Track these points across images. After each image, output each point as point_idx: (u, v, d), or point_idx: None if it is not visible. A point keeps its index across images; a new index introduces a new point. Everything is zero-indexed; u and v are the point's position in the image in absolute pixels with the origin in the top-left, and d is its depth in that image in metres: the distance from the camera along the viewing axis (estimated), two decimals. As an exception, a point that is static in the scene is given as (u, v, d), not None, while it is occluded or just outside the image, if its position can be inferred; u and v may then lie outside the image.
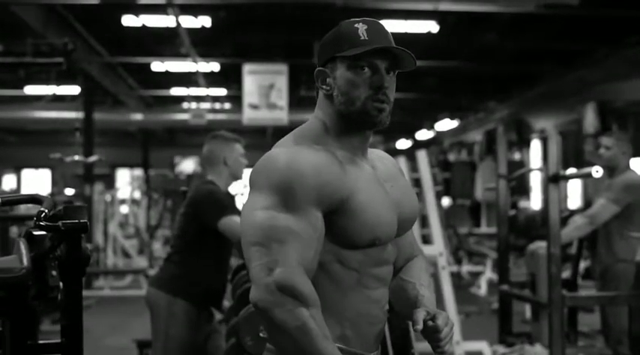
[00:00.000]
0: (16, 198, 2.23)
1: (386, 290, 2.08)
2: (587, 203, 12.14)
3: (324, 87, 2.06)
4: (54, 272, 1.94)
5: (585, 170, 4.54)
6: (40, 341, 2.02)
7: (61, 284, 1.96)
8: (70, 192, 13.49)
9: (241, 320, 3.44)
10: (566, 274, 5.45)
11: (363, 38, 1.98)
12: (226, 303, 4.81)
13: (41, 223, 1.98)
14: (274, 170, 1.91)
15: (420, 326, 1.98)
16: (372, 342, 2.04)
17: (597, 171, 4.41)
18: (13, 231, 8.86)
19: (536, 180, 17.44)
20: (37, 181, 25.64)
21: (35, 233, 1.98)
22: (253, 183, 1.94)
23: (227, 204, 4.28)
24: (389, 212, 2.01)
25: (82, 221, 1.98)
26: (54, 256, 1.96)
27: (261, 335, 3.46)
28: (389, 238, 2.02)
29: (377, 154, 2.18)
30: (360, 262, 1.96)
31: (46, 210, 2.01)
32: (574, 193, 15.11)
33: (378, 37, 2.00)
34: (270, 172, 1.90)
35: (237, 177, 4.53)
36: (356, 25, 2.01)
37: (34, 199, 2.21)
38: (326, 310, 1.90)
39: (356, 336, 1.98)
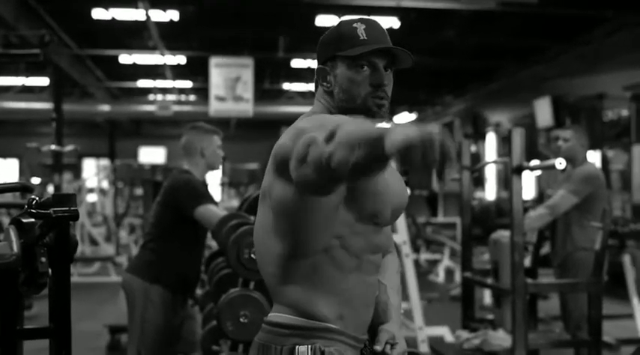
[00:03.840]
0: (5, 187, 2.19)
1: (377, 276, 2.11)
2: (541, 194, 12.26)
3: (324, 84, 2.10)
4: (43, 259, 1.91)
5: (549, 162, 4.55)
6: (28, 326, 1.99)
7: (49, 270, 1.93)
8: (36, 180, 13.34)
9: (222, 306, 3.42)
10: (525, 262, 5.48)
11: (362, 38, 2.01)
12: (198, 291, 4.79)
13: (32, 210, 1.94)
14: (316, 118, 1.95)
15: (379, 348, 2.07)
16: (364, 325, 2.07)
17: (560, 163, 4.43)
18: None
19: (491, 172, 17.56)
20: (4, 170, 25.31)
21: (24, 220, 1.94)
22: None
23: (203, 192, 4.26)
24: (386, 195, 2.03)
25: (72, 208, 1.94)
26: (43, 243, 1.92)
27: (241, 320, 3.47)
28: (385, 220, 2.05)
29: None
30: (361, 248, 1.98)
31: (37, 198, 1.97)
32: (528, 185, 15.24)
33: (376, 36, 2.04)
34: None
35: (213, 168, 4.50)
36: (355, 25, 2.05)
37: (24, 187, 2.17)
38: (327, 290, 1.96)
39: (352, 317, 2.00)
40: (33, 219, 1.95)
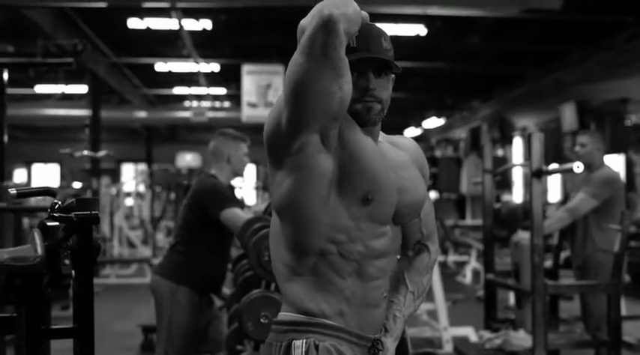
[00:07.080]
0: (30, 191, 2.22)
1: (387, 279, 2.08)
2: (566, 196, 12.17)
3: None
4: (67, 261, 1.93)
5: (567, 165, 4.52)
6: (53, 326, 2.01)
7: (73, 272, 1.95)
8: (77, 185, 13.46)
9: (243, 306, 3.44)
10: (547, 264, 5.45)
11: (352, 46, 1.99)
12: (226, 291, 4.80)
13: (55, 214, 1.96)
14: None
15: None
16: (370, 324, 2.05)
17: (578, 167, 4.40)
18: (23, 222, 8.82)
19: (518, 175, 17.45)
20: (46, 175, 25.55)
21: (49, 224, 1.96)
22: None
23: (228, 196, 4.28)
24: (385, 181, 2.00)
25: (93, 212, 1.96)
26: (66, 246, 1.94)
27: (261, 321, 3.48)
28: (384, 209, 2.01)
29: (393, 141, 2.18)
30: (361, 254, 1.98)
31: (60, 202, 2.00)
32: (554, 188, 15.14)
33: (366, 43, 2.01)
34: None
35: (238, 174, 4.52)
36: None
37: (48, 192, 2.19)
38: (325, 289, 1.97)
39: (354, 315, 2.00)
40: (57, 223, 1.97)
